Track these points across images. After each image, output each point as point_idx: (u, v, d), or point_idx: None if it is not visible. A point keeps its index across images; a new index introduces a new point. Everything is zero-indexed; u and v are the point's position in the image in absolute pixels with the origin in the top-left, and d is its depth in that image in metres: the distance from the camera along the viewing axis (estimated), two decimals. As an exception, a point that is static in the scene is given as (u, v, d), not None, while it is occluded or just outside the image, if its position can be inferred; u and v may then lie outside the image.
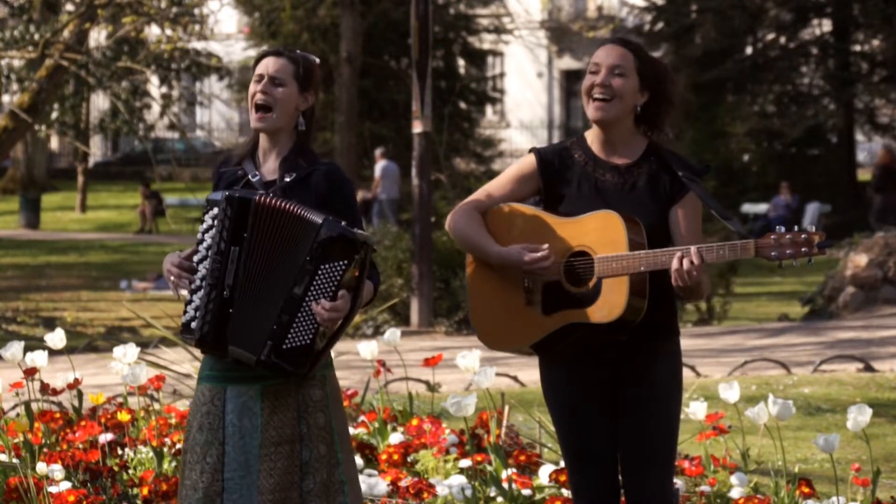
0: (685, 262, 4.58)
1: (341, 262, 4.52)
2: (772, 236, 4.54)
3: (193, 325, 4.61)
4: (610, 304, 4.66)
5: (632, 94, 4.80)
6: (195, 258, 4.65)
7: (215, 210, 4.61)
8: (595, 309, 4.69)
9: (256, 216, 4.54)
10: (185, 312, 4.65)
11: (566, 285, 4.75)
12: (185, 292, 4.66)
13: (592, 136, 4.89)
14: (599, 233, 4.69)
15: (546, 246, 4.74)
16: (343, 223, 4.53)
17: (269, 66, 4.71)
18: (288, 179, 4.66)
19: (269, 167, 4.73)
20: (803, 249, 4.50)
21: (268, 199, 4.55)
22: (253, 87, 4.72)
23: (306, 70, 4.73)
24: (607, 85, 4.78)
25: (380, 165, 28.34)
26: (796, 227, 4.54)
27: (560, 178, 4.86)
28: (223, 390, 4.64)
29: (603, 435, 4.84)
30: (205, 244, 4.62)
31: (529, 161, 4.90)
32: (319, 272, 4.51)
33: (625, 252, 4.64)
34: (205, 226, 4.64)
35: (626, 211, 4.72)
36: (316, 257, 4.51)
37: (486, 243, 4.84)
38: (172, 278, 4.66)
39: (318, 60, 4.80)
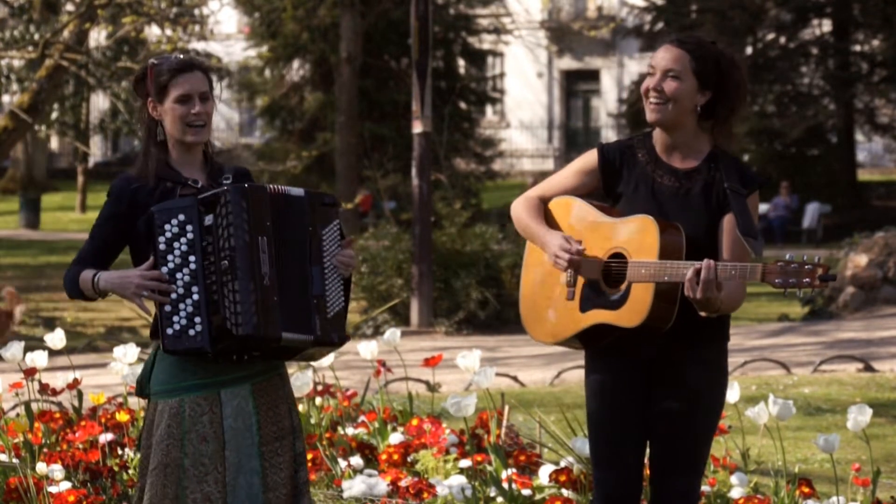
0: (702, 274, 4.57)
1: (335, 222, 4.68)
2: (779, 263, 4.57)
3: (192, 331, 4.53)
4: (634, 309, 4.67)
5: (688, 96, 4.77)
6: (164, 269, 4.56)
7: (181, 216, 4.55)
8: (622, 313, 4.71)
9: (274, 204, 4.59)
10: (169, 323, 4.55)
11: (602, 286, 4.78)
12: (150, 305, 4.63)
13: (657, 136, 4.89)
14: (636, 236, 4.71)
15: (582, 248, 4.76)
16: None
17: (193, 84, 4.71)
18: (227, 182, 4.69)
19: (195, 175, 4.74)
20: (805, 280, 4.54)
21: (276, 188, 4.63)
22: (183, 109, 4.70)
23: (209, 79, 4.78)
24: (660, 90, 4.76)
25: None
26: (804, 257, 4.58)
27: (620, 176, 4.87)
28: (217, 396, 4.62)
29: (633, 432, 4.84)
30: (177, 252, 4.55)
31: (592, 156, 4.92)
32: (324, 236, 4.64)
33: (654, 259, 4.65)
34: (168, 235, 4.56)
35: (678, 217, 4.73)
36: (317, 224, 4.63)
37: (536, 227, 4.89)
38: (148, 293, 4.58)
39: (208, 62, 4.84)
